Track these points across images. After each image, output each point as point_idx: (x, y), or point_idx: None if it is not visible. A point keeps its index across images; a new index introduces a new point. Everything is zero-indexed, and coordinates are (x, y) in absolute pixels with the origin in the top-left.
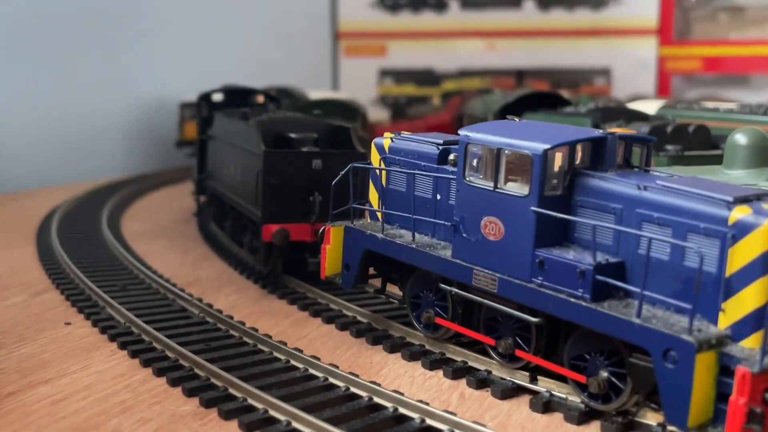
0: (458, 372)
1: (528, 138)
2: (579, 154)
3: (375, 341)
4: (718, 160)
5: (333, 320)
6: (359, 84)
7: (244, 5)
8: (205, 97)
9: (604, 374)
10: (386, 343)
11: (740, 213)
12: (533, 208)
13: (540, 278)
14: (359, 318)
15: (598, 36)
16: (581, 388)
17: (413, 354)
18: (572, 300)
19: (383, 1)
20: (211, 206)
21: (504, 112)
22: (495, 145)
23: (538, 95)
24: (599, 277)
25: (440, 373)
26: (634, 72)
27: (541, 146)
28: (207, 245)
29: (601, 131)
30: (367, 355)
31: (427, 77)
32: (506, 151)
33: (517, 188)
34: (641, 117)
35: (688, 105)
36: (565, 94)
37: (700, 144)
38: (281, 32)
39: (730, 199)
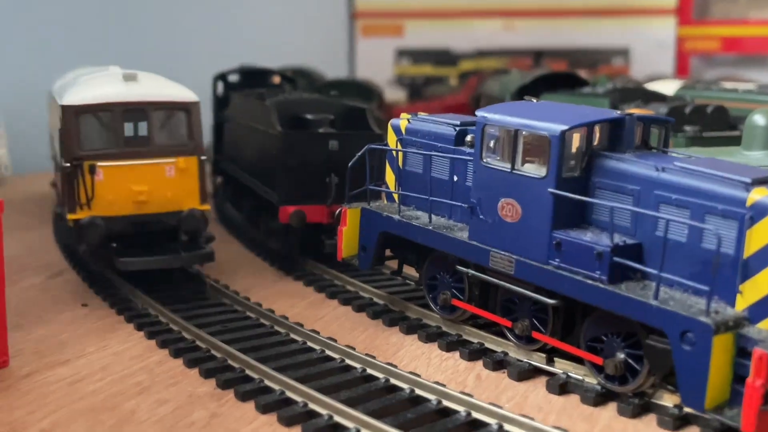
0: (475, 353)
1: (546, 119)
2: (597, 135)
3: (391, 323)
4: (736, 141)
5: (349, 302)
6: (376, 64)
7: None
8: (221, 78)
9: (621, 356)
10: (403, 324)
11: (759, 194)
12: (551, 190)
13: (557, 260)
14: (376, 299)
15: (617, 16)
16: (598, 369)
17: (430, 335)
18: (589, 282)
19: None
20: (228, 188)
21: (522, 93)
22: (512, 126)
23: (556, 75)
24: (616, 259)
25: (457, 354)
26: (652, 52)
27: (558, 127)
28: (223, 227)
29: (619, 112)
30: (383, 336)
31: (444, 57)
32: (524, 132)
33: (534, 170)
34: (659, 98)
35: (707, 85)
36: (583, 74)
37: (718, 125)
38: (297, 12)
39: (749, 180)
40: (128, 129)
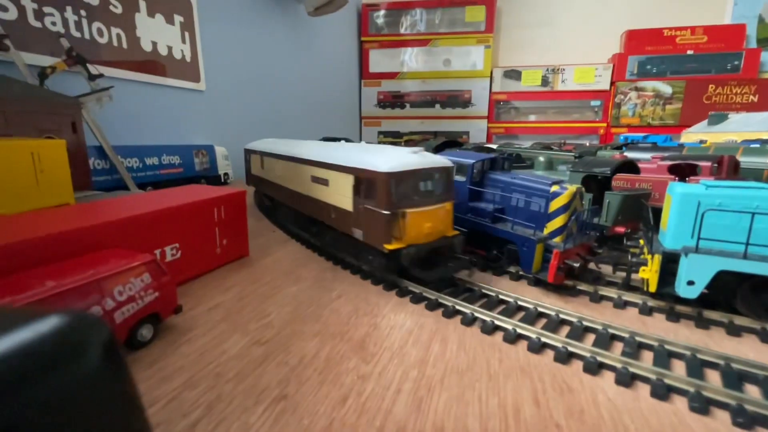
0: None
1: (465, 157)
2: (486, 164)
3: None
4: (529, 167)
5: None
6: (371, 138)
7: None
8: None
9: (494, 252)
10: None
11: (554, 187)
12: (468, 186)
13: (470, 214)
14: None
15: (464, 119)
16: (484, 257)
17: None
18: (484, 222)
19: (380, 105)
20: None
21: (437, 149)
22: (453, 160)
23: (449, 141)
24: (496, 214)
25: None
26: (478, 133)
27: (470, 161)
28: None
29: (493, 153)
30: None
31: (397, 134)
32: (456, 163)
33: (461, 178)
34: (492, 149)
35: (507, 145)
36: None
37: (518, 161)
38: (340, 115)
39: (549, 182)
40: (422, 186)
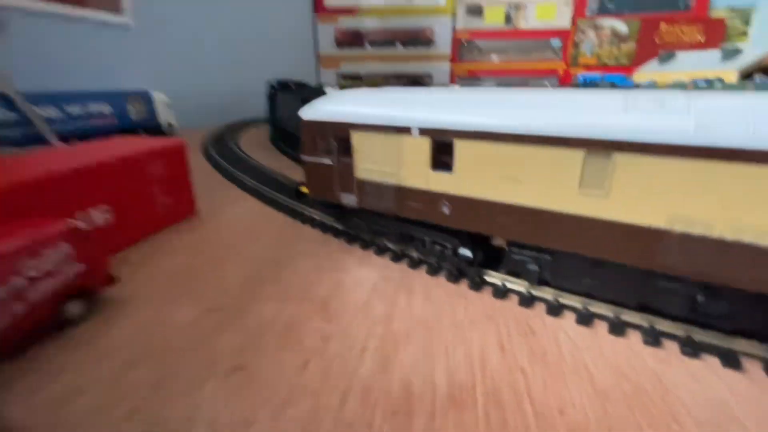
0: None
1: None
2: None
3: None
4: None
5: None
6: (330, 80)
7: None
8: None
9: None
10: None
11: None
12: None
13: None
14: None
15: (426, 60)
16: None
17: None
18: None
19: (339, 45)
20: None
21: None
22: None
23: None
24: None
25: None
26: (441, 74)
27: None
28: None
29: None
30: None
31: (357, 77)
32: None
33: None
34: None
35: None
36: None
37: None
38: (293, 58)
39: None
40: None
